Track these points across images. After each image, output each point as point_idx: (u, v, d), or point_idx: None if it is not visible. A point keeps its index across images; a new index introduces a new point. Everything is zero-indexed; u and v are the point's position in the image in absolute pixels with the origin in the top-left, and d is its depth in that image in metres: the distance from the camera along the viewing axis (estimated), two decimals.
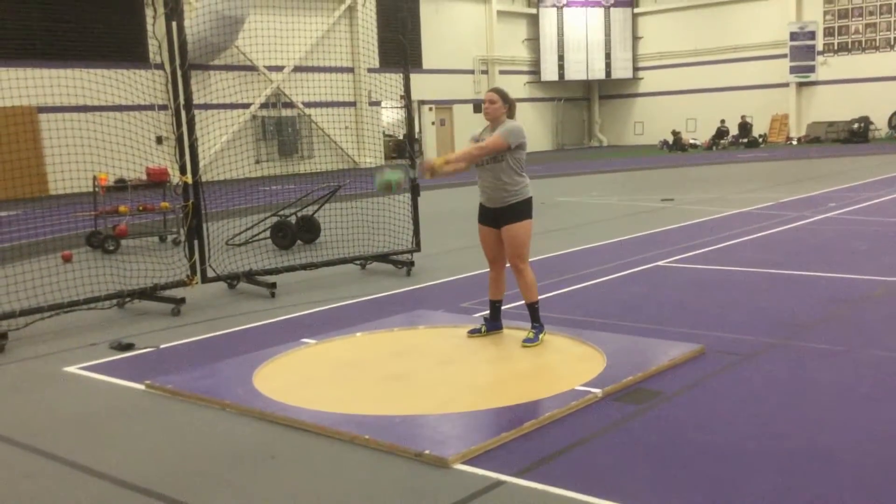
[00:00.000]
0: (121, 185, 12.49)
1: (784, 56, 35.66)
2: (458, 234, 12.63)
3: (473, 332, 6.39)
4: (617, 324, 6.65)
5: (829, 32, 35.36)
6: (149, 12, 8.98)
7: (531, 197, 6.16)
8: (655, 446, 4.21)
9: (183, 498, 3.88)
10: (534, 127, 39.84)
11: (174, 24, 7.98)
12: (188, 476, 4.14)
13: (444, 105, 35.00)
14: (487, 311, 6.54)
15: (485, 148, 5.96)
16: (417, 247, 9.77)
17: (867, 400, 4.81)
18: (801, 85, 35.94)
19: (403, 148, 18.72)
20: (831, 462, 3.96)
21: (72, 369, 6.12)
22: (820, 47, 35.39)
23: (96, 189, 12.26)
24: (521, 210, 6.07)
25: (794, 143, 34.73)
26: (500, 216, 6.11)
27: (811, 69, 35.51)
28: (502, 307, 6.50)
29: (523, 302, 6.24)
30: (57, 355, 6.55)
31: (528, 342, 6.06)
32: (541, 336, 6.11)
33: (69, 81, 10.95)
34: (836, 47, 35.27)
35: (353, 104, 30.37)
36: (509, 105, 6.14)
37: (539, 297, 6.22)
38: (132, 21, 24.39)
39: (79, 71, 13.22)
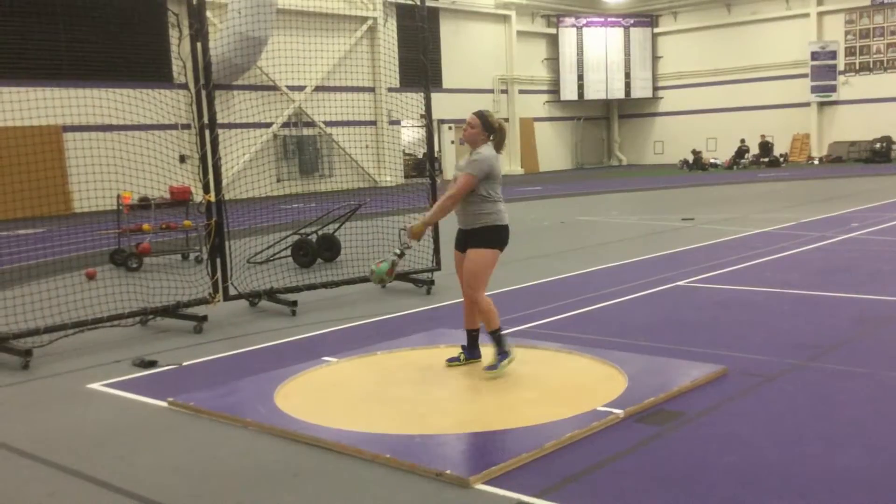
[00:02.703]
0: (144, 204, 12.61)
1: (805, 76, 35.55)
2: None
3: (452, 361, 6.15)
4: (638, 344, 6.62)
5: (850, 52, 35.24)
6: (174, 33, 9.12)
7: (504, 226, 5.90)
8: (678, 468, 4.19)
9: None
10: (553, 146, 39.93)
11: (199, 44, 8.08)
12: (211, 493, 4.16)
13: (463, 124, 35.04)
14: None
15: (455, 196, 5.79)
16: (438, 266, 9.79)
17: (891, 422, 4.76)
18: (822, 104, 35.80)
19: (423, 167, 18.81)
20: (855, 485, 3.92)
21: (95, 386, 6.17)
22: (841, 67, 35.27)
23: (120, 207, 12.39)
24: (487, 237, 5.84)
25: (816, 162, 34.57)
26: (469, 239, 5.92)
27: (832, 89, 35.38)
28: (477, 334, 6.23)
29: (546, 320, 6.21)
30: (81, 372, 6.61)
31: (489, 369, 5.82)
32: (503, 364, 5.81)
33: (94, 101, 11.10)
34: (857, 67, 35.13)
35: (373, 123, 30.56)
36: (492, 132, 5.95)
37: (501, 324, 5.89)
38: (157, 42, 24.71)
39: (104, 91, 13.39)
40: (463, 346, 6.26)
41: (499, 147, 6.02)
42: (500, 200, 5.94)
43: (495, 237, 5.88)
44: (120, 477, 4.39)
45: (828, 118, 35.93)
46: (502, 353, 5.86)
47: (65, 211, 16.87)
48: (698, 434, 4.67)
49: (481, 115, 6.01)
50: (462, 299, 6.16)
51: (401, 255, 5.96)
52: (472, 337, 6.20)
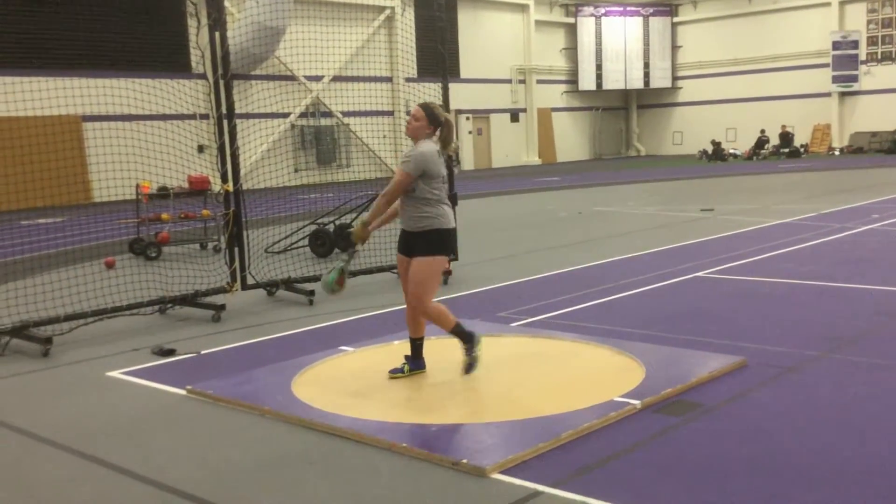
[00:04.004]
0: (163, 193, 12.67)
1: (826, 65, 35.19)
2: (495, 244, 12.64)
3: (395, 373, 5.69)
4: (656, 335, 6.59)
5: (872, 41, 34.84)
6: (192, 23, 9.10)
7: (447, 230, 5.53)
8: (695, 459, 4.17)
9: (223, 502, 3.93)
10: (571, 136, 39.78)
11: (217, 34, 8.09)
12: (229, 481, 4.18)
13: (481, 114, 35.07)
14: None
15: (389, 193, 5.49)
16: (454, 256, 9.78)
17: None
18: (843, 94, 35.44)
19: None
20: (875, 477, 3.89)
21: (115, 374, 6.22)
22: (863, 56, 34.88)
23: (139, 197, 12.45)
24: (431, 243, 5.48)
25: (837, 153, 34.25)
26: (412, 243, 5.53)
27: (854, 79, 35.00)
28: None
29: (564, 311, 6.17)
30: (100, 360, 6.66)
31: (469, 369, 5.56)
32: (476, 350, 5.56)
33: (113, 91, 11.13)
34: (879, 56, 34.73)
35: (390, 113, 30.53)
36: (438, 126, 5.51)
37: (457, 320, 5.61)
38: (175, 32, 24.76)
39: (123, 80, 13.44)
40: (406, 357, 5.81)
41: (445, 144, 5.57)
42: (443, 202, 5.52)
43: (440, 244, 5.52)
44: (138, 464, 4.42)
45: (849, 108, 35.57)
46: (469, 347, 5.58)
47: (84, 200, 16.93)
48: (716, 425, 4.65)
49: (426, 108, 5.53)
50: (405, 306, 5.76)
51: (348, 262, 5.77)
52: (417, 346, 5.76)
